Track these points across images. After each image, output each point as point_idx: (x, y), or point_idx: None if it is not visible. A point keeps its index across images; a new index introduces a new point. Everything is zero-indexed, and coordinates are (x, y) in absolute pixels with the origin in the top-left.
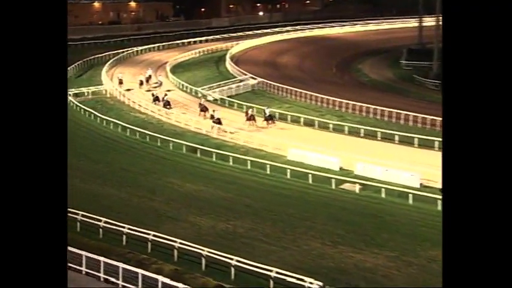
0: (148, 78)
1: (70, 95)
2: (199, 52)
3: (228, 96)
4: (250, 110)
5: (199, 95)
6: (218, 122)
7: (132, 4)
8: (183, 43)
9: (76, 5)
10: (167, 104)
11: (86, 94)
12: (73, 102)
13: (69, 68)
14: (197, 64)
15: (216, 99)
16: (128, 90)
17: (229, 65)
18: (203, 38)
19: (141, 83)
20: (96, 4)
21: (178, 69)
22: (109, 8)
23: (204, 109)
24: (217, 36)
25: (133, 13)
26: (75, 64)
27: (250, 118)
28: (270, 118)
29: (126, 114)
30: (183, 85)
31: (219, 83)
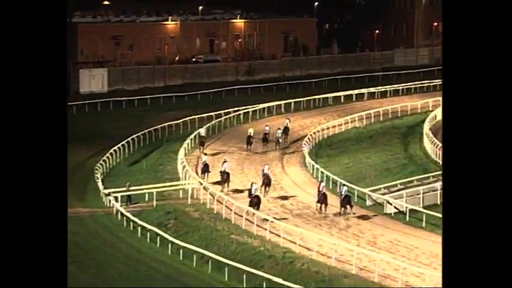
0: (266, 179)
1: (116, 198)
2: (370, 116)
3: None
4: None
5: (369, 203)
6: None
7: (238, 23)
8: (336, 100)
9: (127, 26)
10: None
11: (146, 199)
12: (122, 214)
13: (116, 148)
14: (365, 140)
15: (402, 213)
16: (233, 192)
17: (429, 142)
18: (377, 89)
19: (264, 184)
20: (171, 24)
21: (326, 149)
22: (194, 29)
23: None
24: (408, 85)
25: (239, 40)
26: (126, 141)
27: None
28: None
29: (222, 237)
30: (335, 182)
31: (408, 181)
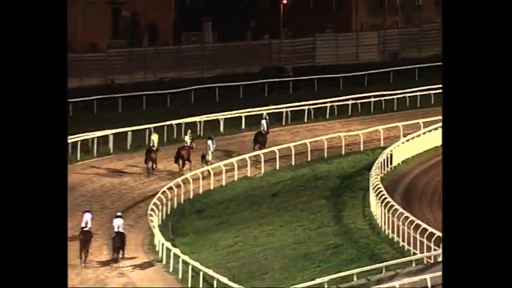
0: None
1: None
2: (272, 158)
3: None
4: None
5: None
6: None
7: None
8: (211, 128)
9: None
10: None
11: None
12: None
13: None
14: (264, 201)
15: None
16: None
17: (379, 205)
18: (286, 108)
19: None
20: None
21: (194, 219)
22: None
23: None
24: (341, 101)
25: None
26: None
27: None
28: None
29: None
30: (211, 283)
31: (343, 276)
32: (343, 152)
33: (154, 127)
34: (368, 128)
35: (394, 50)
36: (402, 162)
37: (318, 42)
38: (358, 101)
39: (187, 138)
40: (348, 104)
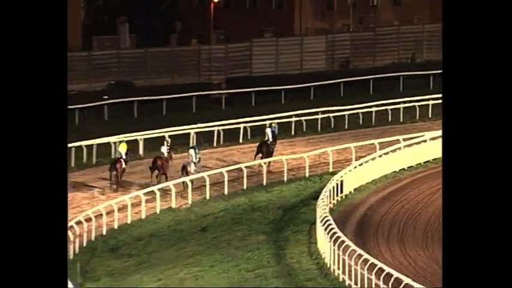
0: None
1: None
2: (201, 186)
3: None
4: None
5: None
6: None
7: None
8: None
9: None
10: None
11: None
12: None
13: None
14: (192, 236)
15: None
16: None
17: (327, 240)
18: (218, 127)
19: None
20: None
21: (108, 259)
22: None
23: None
24: (282, 117)
25: None
26: None
27: None
28: None
29: None
30: None
31: None
32: (285, 179)
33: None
34: (315, 149)
35: (345, 57)
36: (355, 190)
37: (256, 49)
38: (303, 118)
39: (164, 149)
40: (291, 122)
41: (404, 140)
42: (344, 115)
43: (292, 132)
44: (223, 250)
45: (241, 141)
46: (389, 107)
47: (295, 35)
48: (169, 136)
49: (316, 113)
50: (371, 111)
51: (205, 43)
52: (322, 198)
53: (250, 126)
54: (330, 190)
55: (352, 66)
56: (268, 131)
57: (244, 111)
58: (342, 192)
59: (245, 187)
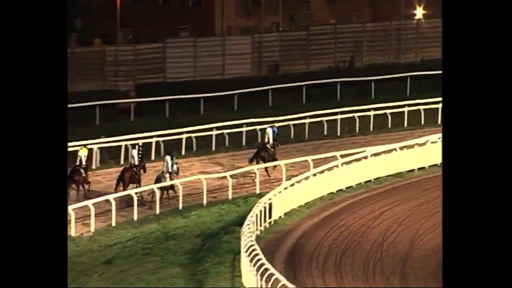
0: None
1: None
2: (104, 213)
3: None
4: None
5: None
6: None
7: None
8: None
9: None
10: None
11: None
12: None
13: None
14: (95, 268)
15: None
16: None
17: (253, 273)
18: (125, 141)
19: None
20: None
21: None
22: None
23: None
24: (201, 130)
25: None
26: None
27: None
28: None
29: None
30: None
31: None
32: (204, 202)
33: None
34: (239, 167)
35: (274, 61)
36: (285, 214)
37: (170, 50)
38: (225, 131)
39: (135, 153)
40: (211, 135)
41: (342, 156)
42: None
43: (213, 148)
44: (132, 286)
45: (153, 158)
46: (324, 118)
47: (216, 34)
48: (68, 152)
49: (241, 125)
50: (304, 123)
51: (111, 43)
52: (248, 224)
53: (163, 141)
54: (257, 215)
55: (282, 71)
56: (270, 131)
57: (157, 122)
58: (270, 217)
59: (158, 212)
